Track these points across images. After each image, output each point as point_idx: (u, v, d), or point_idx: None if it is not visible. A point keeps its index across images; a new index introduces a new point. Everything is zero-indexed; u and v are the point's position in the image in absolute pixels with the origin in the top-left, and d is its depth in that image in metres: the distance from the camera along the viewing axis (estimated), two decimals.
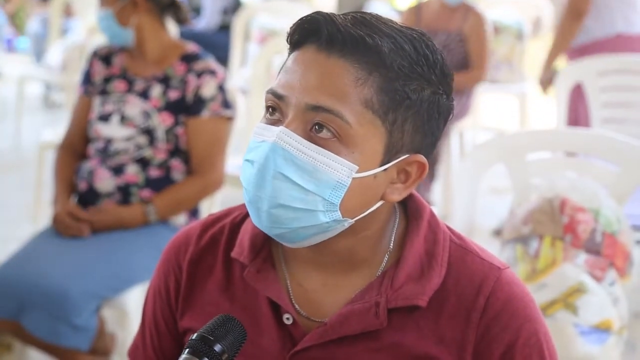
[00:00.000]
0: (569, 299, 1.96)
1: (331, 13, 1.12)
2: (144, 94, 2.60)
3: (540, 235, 2.02)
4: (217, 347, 1.05)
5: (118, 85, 2.65)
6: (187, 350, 1.05)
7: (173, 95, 2.58)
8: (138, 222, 2.54)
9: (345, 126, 1.09)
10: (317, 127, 1.09)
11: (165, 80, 2.60)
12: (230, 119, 2.64)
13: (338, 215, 1.11)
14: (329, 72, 1.09)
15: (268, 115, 1.14)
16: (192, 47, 2.68)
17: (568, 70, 3.63)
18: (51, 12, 6.86)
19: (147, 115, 2.57)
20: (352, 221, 1.13)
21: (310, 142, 1.09)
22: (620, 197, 2.07)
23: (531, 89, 5.82)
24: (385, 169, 1.13)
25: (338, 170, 1.09)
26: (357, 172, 1.10)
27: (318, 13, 1.12)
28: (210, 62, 2.63)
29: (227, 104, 2.60)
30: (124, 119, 2.58)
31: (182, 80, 2.58)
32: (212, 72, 2.60)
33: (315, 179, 1.09)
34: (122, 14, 2.62)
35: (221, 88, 2.60)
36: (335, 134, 1.09)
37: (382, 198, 1.15)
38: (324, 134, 1.09)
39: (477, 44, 4.41)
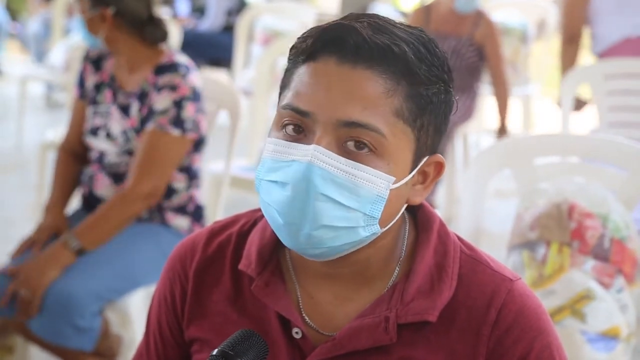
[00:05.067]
0: (576, 306, 1.94)
1: (350, 22, 1.09)
2: (125, 110, 2.54)
3: (548, 240, 2.00)
4: None
5: (107, 95, 2.59)
6: None
7: (143, 112, 2.51)
8: (61, 254, 2.33)
9: (381, 139, 1.07)
10: (351, 141, 1.06)
11: (142, 97, 2.52)
12: (181, 138, 2.44)
13: (377, 228, 1.10)
14: (358, 85, 1.06)
15: (288, 132, 1.09)
16: (168, 56, 2.53)
17: (574, 74, 3.61)
18: (54, 12, 6.85)
19: (126, 136, 2.52)
20: (383, 229, 1.12)
21: (347, 158, 1.06)
22: (628, 202, 2.05)
23: (535, 91, 5.80)
24: (413, 175, 1.12)
25: (377, 184, 1.07)
26: (394, 182, 1.09)
27: (338, 23, 1.09)
28: (177, 76, 2.46)
29: (178, 122, 2.43)
30: (109, 136, 2.55)
31: (148, 96, 2.50)
32: (173, 87, 2.45)
33: (356, 195, 1.07)
34: (90, 24, 2.54)
35: (179, 104, 2.44)
36: (372, 148, 1.07)
37: (406, 202, 1.14)
38: (359, 148, 1.07)
39: (494, 58, 4.42)
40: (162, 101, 2.45)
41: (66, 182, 2.64)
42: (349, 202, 1.06)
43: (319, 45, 1.09)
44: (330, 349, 1.14)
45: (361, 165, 1.06)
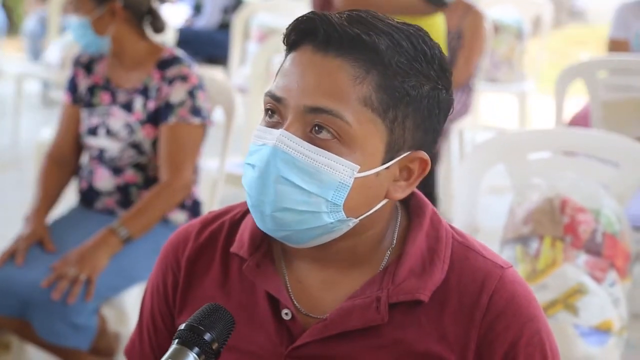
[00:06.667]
0: (569, 300, 1.95)
1: (327, 12, 1.12)
2: (128, 106, 2.55)
3: (541, 235, 2.01)
4: (207, 336, 1.05)
5: (103, 97, 2.60)
6: (177, 340, 1.05)
7: (151, 106, 2.53)
8: (110, 241, 2.39)
9: (345, 126, 1.09)
10: (316, 128, 1.09)
11: (145, 92, 2.55)
12: (201, 126, 2.54)
13: (342, 215, 1.11)
14: (327, 73, 1.09)
15: (267, 117, 1.14)
16: (168, 51, 2.59)
17: (568, 69, 3.62)
18: (50, 10, 6.84)
19: (130, 128, 2.53)
20: (356, 221, 1.13)
21: (311, 143, 1.09)
22: (620, 197, 2.07)
23: (531, 88, 5.81)
24: (387, 167, 1.12)
25: (340, 171, 1.09)
26: (359, 171, 1.10)
27: (313, 13, 1.12)
28: (184, 66, 2.54)
29: (196, 111, 2.51)
30: (109, 132, 2.55)
31: (157, 89, 2.53)
32: (184, 78, 2.51)
33: (317, 180, 1.09)
34: (99, 23, 2.54)
35: (192, 94, 2.51)
36: (336, 135, 1.09)
37: (385, 196, 1.15)
38: (324, 135, 1.09)
39: (469, 40, 4.33)
40: (177, 93, 2.50)
41: (49, 193, 2.63)
42: (310, 187, 1.09)
43: (295, 35, 1.13)
44: (321, 329, 1.15)
45: (323, 151, 1.09)
